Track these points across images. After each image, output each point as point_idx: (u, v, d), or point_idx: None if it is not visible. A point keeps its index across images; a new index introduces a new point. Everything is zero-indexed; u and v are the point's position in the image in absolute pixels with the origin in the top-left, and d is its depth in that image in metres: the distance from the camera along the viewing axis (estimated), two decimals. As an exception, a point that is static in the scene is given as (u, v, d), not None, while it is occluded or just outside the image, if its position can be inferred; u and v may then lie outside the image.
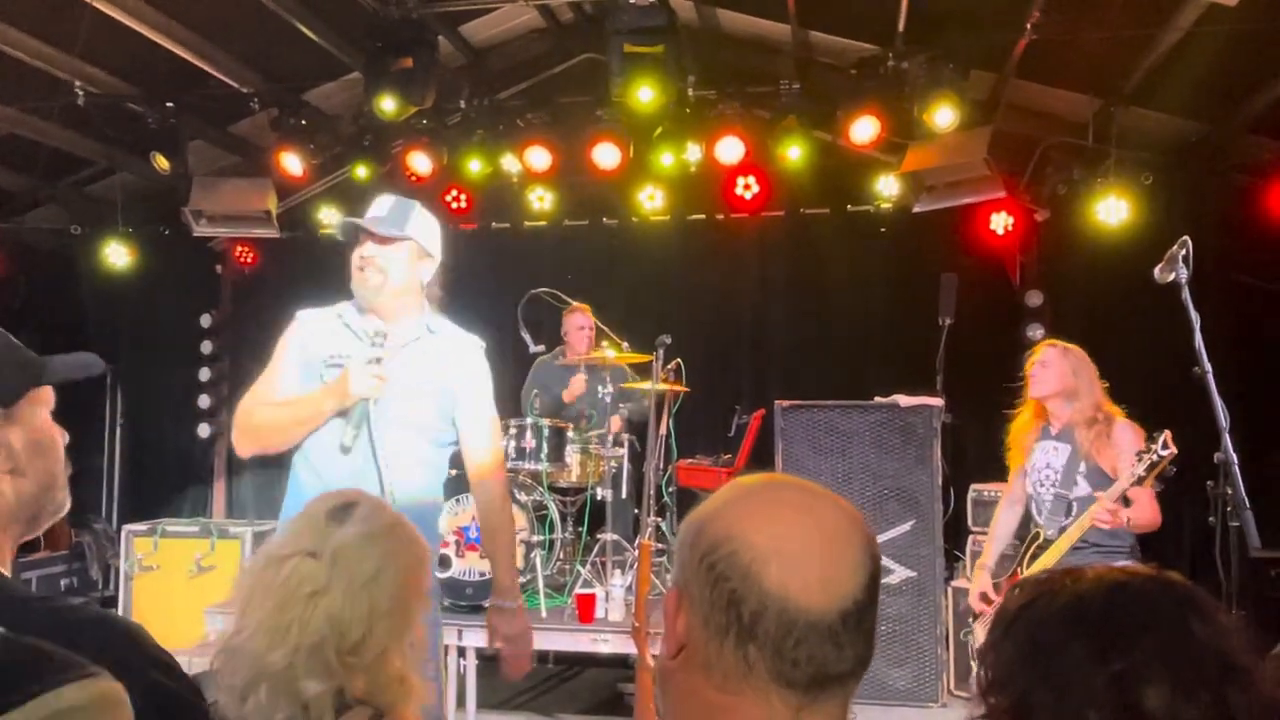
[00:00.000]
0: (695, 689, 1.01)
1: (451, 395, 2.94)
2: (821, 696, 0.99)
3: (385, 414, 2.81)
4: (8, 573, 1.23)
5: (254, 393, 2.94)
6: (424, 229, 2.94)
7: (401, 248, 2.88)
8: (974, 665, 4.04)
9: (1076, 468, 3.77)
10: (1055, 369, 3.87)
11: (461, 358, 3.01)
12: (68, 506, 1.37)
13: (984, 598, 3.95)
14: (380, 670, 1.63)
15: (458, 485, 5.27)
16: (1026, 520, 4.09)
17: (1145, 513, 3.58)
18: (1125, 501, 3.58)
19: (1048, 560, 3.66)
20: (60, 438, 1.36)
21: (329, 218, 7.83)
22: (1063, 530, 3.69)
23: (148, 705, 1.10)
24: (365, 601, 1.61)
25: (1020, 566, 3.85)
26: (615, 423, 5.84)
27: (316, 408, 2.82)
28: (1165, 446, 3.36)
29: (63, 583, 6.91)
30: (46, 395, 1.33)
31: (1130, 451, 3.58)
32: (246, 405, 2.92)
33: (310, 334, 2.94)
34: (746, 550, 0.99)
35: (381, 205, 2.95)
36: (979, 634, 3.97)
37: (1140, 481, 3.42)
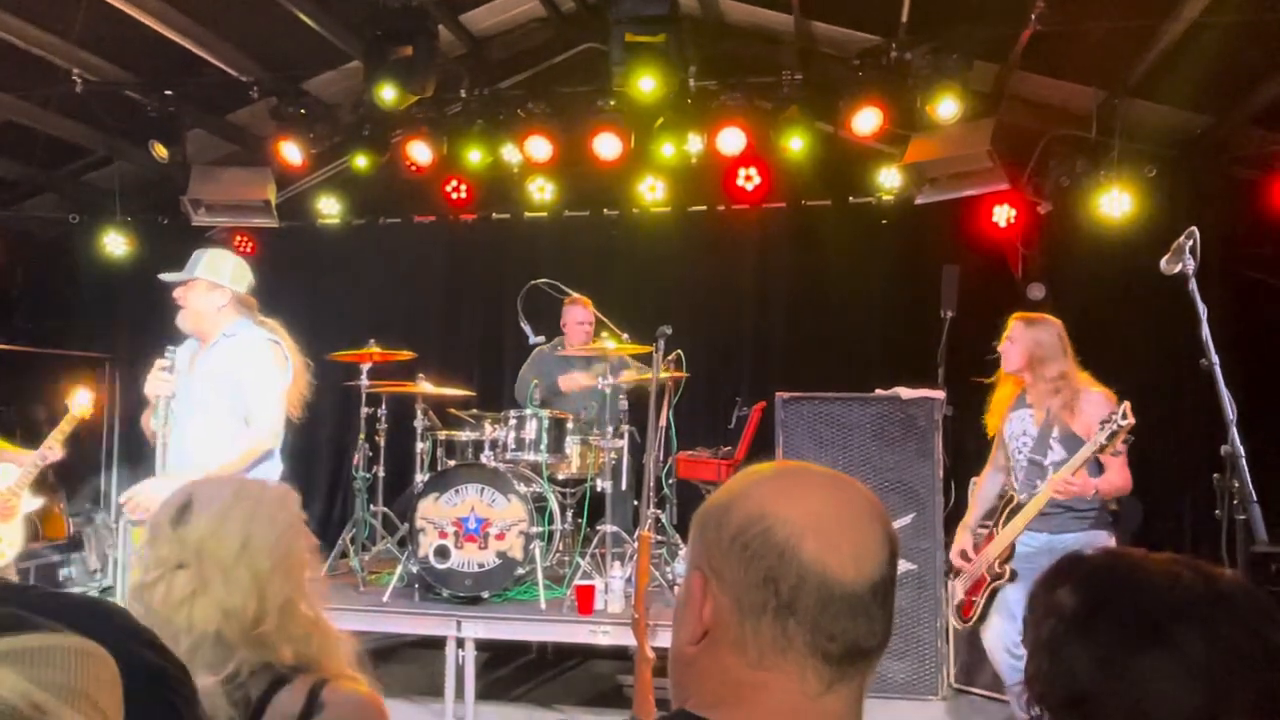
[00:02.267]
0: (725, 669, 1.02)
1: (237, 381, 3.87)
2: (850, 671, 1.02)
3: (188, 402, 3.86)
4: None
5: None
6: (209, 268, 4.01)
7: (193, 286, 4.00)
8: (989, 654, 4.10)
9: (1049, 434, 3.89)
10: (1019, 344, 4.00)
11: (246, 352, 3.94)
12: None
13: (963, 555, 4.10)
14: (293, 623, 1.64)
15: (454, 477, 5.27)
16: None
17: (1115, 480, 3.74)
18: (1099, 467, 3.72)
19: (1019, 523, 3.81)
20: None
21: (329, 207, 7.82)
22: (1033, 495, 3.82)
23: (136, 679, 1.08)
24: (245, 573, 1.61)
25: (996, 528, 3.99)
26: (579, 379, 5.96)
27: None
28: (1125, 416, 3.48)
29: (61, 573, 6.89)
30: None
31: (1096, 418, 3.68)
32: None
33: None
34: (782, 526, 1.01)
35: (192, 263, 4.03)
36: (957, 590, 4.14)
37: (1102, 449, 3.54)
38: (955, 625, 4.34)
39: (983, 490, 4.30)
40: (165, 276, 4.05)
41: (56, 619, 1.05)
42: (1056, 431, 3.88)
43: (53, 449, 4.90)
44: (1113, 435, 3.49)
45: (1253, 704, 1.07)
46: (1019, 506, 3.88)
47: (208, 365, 3.93)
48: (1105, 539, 3.83)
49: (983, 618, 3.97)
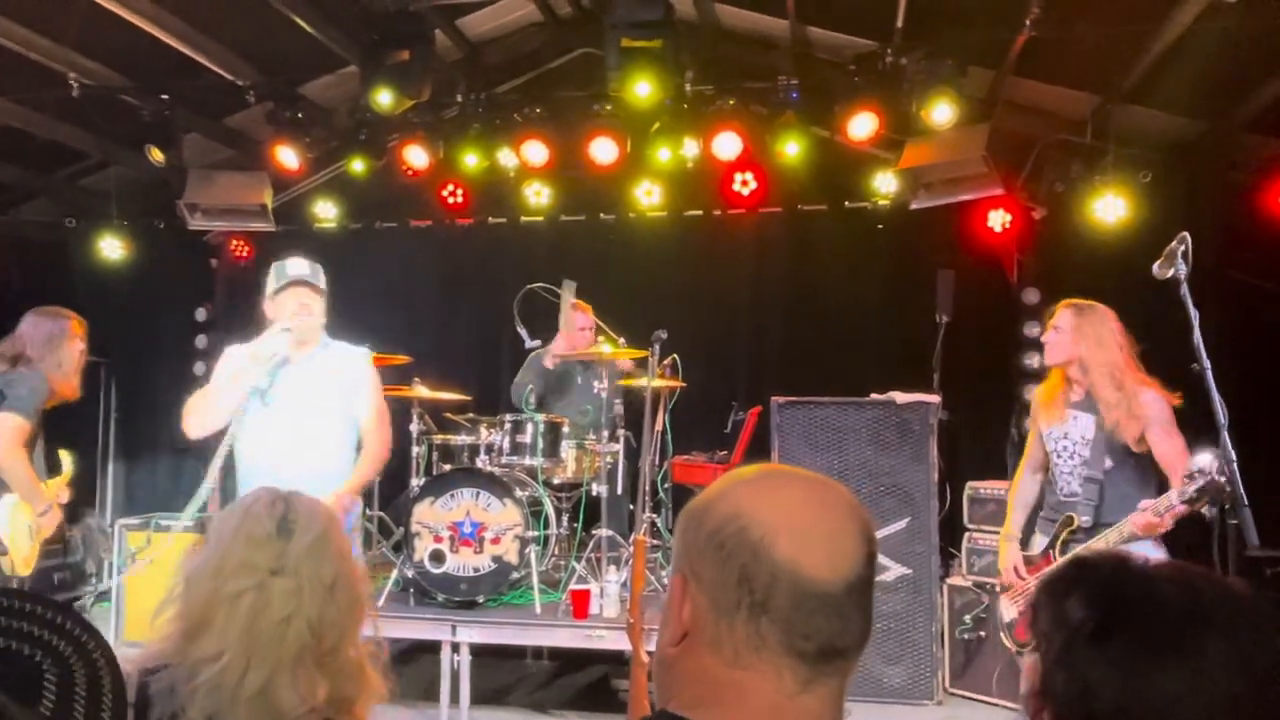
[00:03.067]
0: (703, 669, 1.03)
1: (351, 390, 4.02)
2: (827, 670, 1.02)
3: (291, 404, 3.87)
4: None
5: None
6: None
7: (321, 295, 4.05)
8: (1021, 651, 3.85)
9: (1102, 445, 3.60)
10: (1068, 334, 3.68)
11: (359, 363, 4.15)
12: None
13: (1017, 571, 3.77)
14: (343, 660, 1.67)
15: (449, 482, 5.27)
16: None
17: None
18: (1137, 467, 3.50)
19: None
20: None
21: (325, 211, 7.82)
22: (1097, 513, 3.57)
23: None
24: (333, 606, 1.64)
25: (1053, 551, 3.70)
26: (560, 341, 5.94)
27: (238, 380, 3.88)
28: (1222, 472, 3.05)
29: (56, 577, 6.86)
30: None
31: (1161, 421, 3.44)
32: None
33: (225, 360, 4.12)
34: (756, 526, 1.01)
35: (303, 264, 4.05)
36: (1006, 609, 3.84)
37: (1192, 504, 3.15)
38: (1009, 647, 3.95)
39: (1021, 494, 4.00)
40: (305, 275, 4.01)
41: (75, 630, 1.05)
42: (1111, 440, 3.58)
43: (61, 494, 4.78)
44: (1202, 491, 3.05)
45: (1275, 717, 1.07)
46: (1080, 530, 3.61)
47: (314, 371, 3.97)
48: (1156, 550, 3.48)
49: None
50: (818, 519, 1.04)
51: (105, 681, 1.09)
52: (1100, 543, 3.49)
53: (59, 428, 4.70)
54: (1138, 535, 3.39)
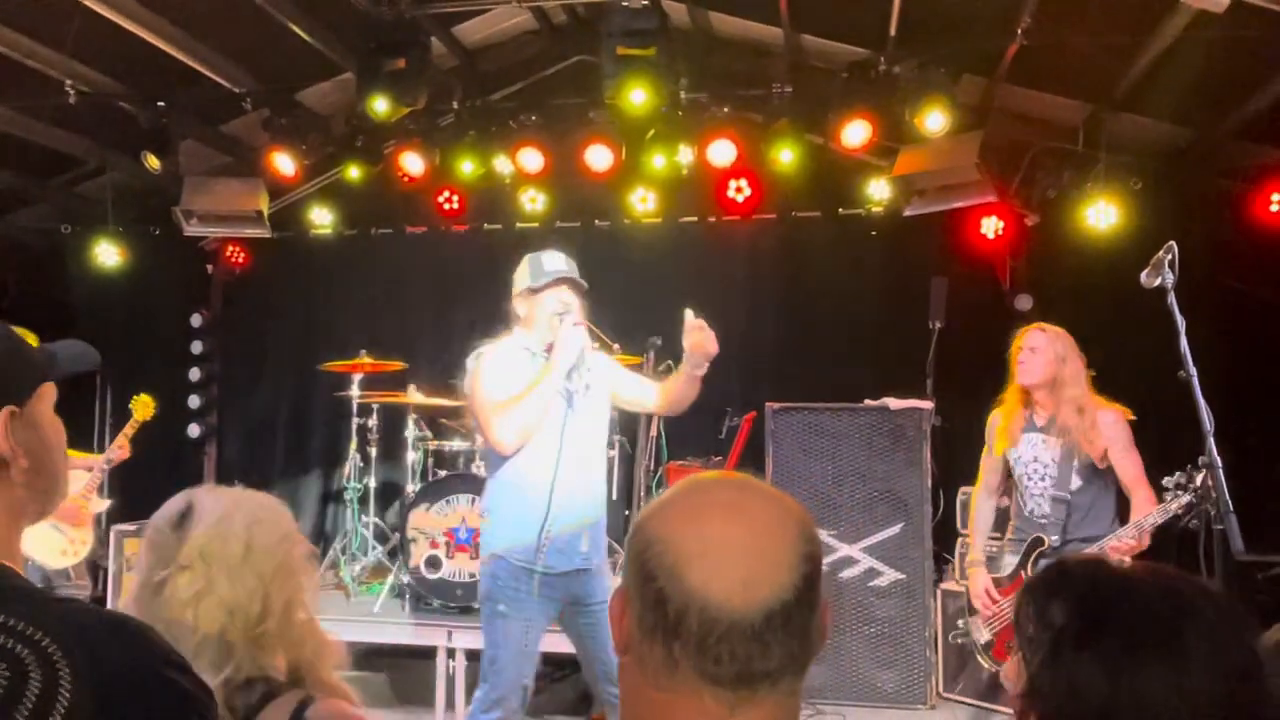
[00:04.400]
0: (636, 686, 1.03)
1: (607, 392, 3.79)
2: (752, 695, 0.99)
3: (581, 421, 3.58)
4: (18, 567, 1.23)
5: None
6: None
7: (582, 296, 3.77)
8: (983, 662, 3.99)
9: (1070, 465, 3.69)
10: (1043, 355, 3.75)
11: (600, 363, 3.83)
12: (67, 495, 1.39)
13: (989, 594, 3.85)
14: (291, 626, 1.69)
15: (445, 487, 5.28)
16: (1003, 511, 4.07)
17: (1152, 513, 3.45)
18: (1102, 482, 3.61)
19: None
20: (62, 431, 1.38)
21: (321, 218, 7.83)
22: (1064, 532, 3.65)
23: (163, 702, 1.10)
24: (251, 574, 1.66)
25: (1025, 571, 3.75)
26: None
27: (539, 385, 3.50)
28: (1191, 482, 3.14)
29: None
30: (51, 390, 1.35)
31: (1121, 441, 3.54)
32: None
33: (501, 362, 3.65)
34: (672, 551, 1.00)
35: (562, 259, 3.80)
36: (978, 631, 3.90)
37: (1177, 519, 3.23)
38: (987, 667, 3.98)
39: (980, 519, 4.08)
40: (576, 276, 3.83)
41: (80, 639, 1.07)
42: (1076, 463, 3.68)
43: (121, 449, 5.28)
44: (1191, 508, 3.11)
45: (1249, 713, 1.09)
46: (1051, 549, 3.68)
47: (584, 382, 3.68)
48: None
49: None
50: (739, 545, 1.00)
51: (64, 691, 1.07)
52: None
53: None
54: (1116, 557, 3.39)
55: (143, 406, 5.77)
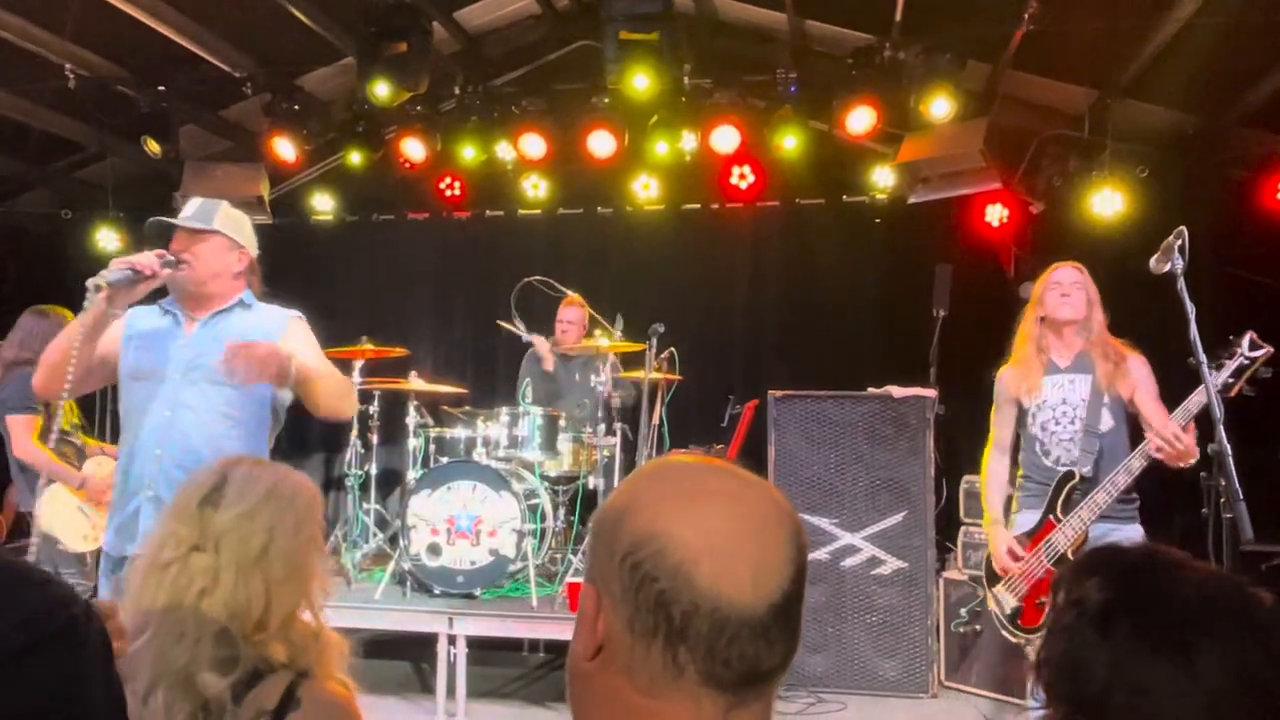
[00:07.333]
0: (617, 692, 0.95)
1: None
2: (749, 695, 0.94)
3: (193, 373, 3.07)
4: None
5: None
6: (231, 224, 3.23)
7: (210, 240, 3.16)
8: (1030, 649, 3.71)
9: (1101, 402, 3.56)
10: (1085, 292, 3.69)
11: (273, 322, 3.22)
12: None
13: (1012, 553, 3.62)
14: (294, 632, 1.66)
15: (446, 474, 5.27)
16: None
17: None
18: (1129, 428, 3.48)
19: (1100, 500, 3.41)
20: None
21: (322, 204, 7.81)
22: (1097, 467, 3.48)
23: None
24: (259, 579, 1.63)
25: (1054, 514, 3.55)
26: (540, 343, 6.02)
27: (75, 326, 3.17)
28: (1255, 347, 3.07)
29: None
30: None
31: (1149, 385, 3.45)
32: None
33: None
34: (675, 548, 0.92)
35: (190, 205, 3.27)
36: (1003, 599, 3.69)
37: (1227, 390, 3.06)
38: (1011, 639, 3.76)
39: (995, 477, 3.87)
40: (176, 220, 3.21)
41: None
42: (1106, 398, 3.55)
43: None
44: (1240, 371, 3.02)
45: None
46: (1084, 481, 3.48)
47: (229, 333, 3.08)
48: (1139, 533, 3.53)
49: None
50: (742, 536, 0.94)
51: None
52: (1102, 494, 3.41)
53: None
54: (1160, 457, 3.27)
55: None
